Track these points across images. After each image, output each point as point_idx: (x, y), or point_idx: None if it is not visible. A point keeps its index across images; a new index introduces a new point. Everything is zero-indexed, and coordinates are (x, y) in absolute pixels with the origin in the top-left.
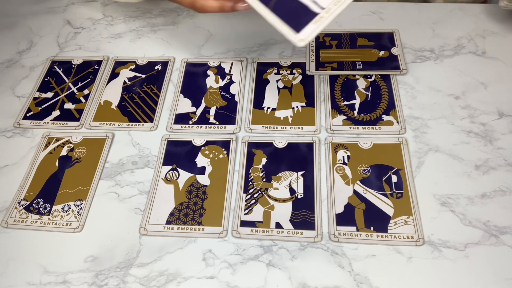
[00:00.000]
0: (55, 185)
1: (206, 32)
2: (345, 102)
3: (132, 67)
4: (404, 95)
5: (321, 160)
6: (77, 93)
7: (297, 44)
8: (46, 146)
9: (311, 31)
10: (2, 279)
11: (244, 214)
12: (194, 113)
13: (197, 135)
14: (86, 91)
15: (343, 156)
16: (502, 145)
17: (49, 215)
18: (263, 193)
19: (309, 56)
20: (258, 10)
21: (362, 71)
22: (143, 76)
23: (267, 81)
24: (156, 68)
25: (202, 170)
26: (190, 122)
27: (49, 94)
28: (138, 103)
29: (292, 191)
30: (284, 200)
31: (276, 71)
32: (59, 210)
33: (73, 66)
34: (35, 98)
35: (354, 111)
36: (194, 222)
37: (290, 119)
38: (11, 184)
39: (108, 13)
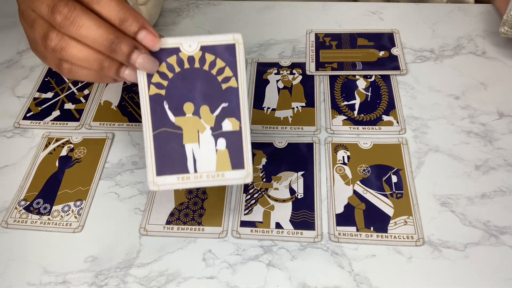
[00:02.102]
0: (55, 185)
1: (206, 32)
2: (345, 102)
3: None
4: (404, 95)
5: (321, 160)
6: (77, 93)
7: (148, 185)
8: (46, 146)
9: (169, 183)
10: (2, 279)
11: (244, 214)
12: None
13: None
14: (86, 91)
15: (343, 156)
16: (502, 145)
17: (49, 215)
18: (263, 193)
19: (309, 56)
20: (143, 127)
21: (362, 71)
22: None
23: (267, 81)
24: None
25: None
26: None
27: (49, 94)
28: (138, 103)
29: (292, 191)
30: (284, 200)
31: (276, 71)
32: (59, 210)
33: None
34: (35, 98)
35: (354, 111)
36: (194, 222)
37: (290, 119)
38: (11, 184)
39: None
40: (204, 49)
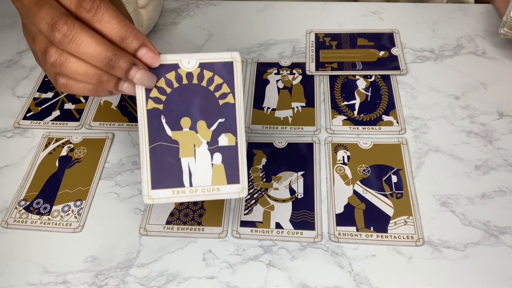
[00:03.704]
0: (55, 185)
1: (206, 32)
2: (345, 102)
3: None
4: (404, 95)
5: (321, 160)
6: None
7: (143, 198)
8: (46, 146)
9: (164, 196)
10: (2, 279)
11: (244, 214)
12: None
13: None
14: None
15: (343, 156)
16: (502, 145)
17: (49, 215)
18: (263, 193)
19: (309, 56)
20: (140, 138)
21: (362, 71)
22: None
23: (267, 81)
24: None
25: None
26: None
27: (49, 94)
28: None
29: (292, 191)
30: (284, 200)
31: (276, 71)
32: (59, 210)
33: None
34: (35, 98)
35: (354, 111)
36: (194, 222)
37: (290, 119)
38: (11, 184)
39: None
40: (202, 66)
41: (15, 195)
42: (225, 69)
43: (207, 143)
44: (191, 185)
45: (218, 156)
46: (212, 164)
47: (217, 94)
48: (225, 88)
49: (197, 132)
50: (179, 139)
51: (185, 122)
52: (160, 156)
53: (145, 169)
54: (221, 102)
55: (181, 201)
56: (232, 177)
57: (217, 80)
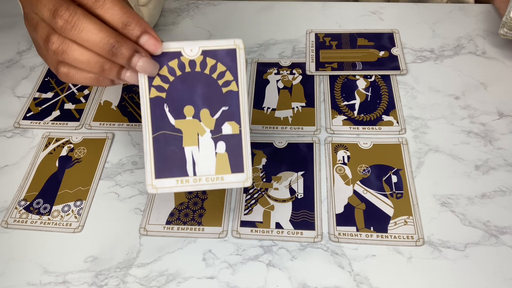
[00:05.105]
0: (55, 185)
1: (206, 32)
2: (345, 102)
3: None
4: (404, 95)
5: (321, 160)
6: (77, 93)
7: (147, 188)
8: (46, 146)
9: (168, 186)
10: (2, 279)
11: (244, 214)
12: None
13: None
14: (86, 91)
15: (343, 156)
16: (502, 145)
17: (49, 215)
18: (263, 193)
19: (309, 56)
20: (143, 128)
21: (362, 71)
22: None
23: (267, 81)
24: None
25: None
26: None
27: (49, 94)
28: (138, 103)
29: (292, 191)
30: (284, 200)
31: (276, 71)
32: (59, 210)
33: None
34: (35, 98)
35: (354, 111)
36: (194, 222)
37: (290, 119)
38: (11, 184)
39: None
40: (205, 53)
41: (15, 195)
42: (228, 57)
43: (211, 131)
44: (195, 174)
45: (221, 145)
46: (216, 153)
47: (220, 82)
48: (228, 76)
49: (200, 121)
50: (183, 127)
51: (188, 110)
52: (164, 145)
53: (148, 158)
54: (224, 90)
55: (185, 191)
56: (236, 166)
57: (220, 67)
